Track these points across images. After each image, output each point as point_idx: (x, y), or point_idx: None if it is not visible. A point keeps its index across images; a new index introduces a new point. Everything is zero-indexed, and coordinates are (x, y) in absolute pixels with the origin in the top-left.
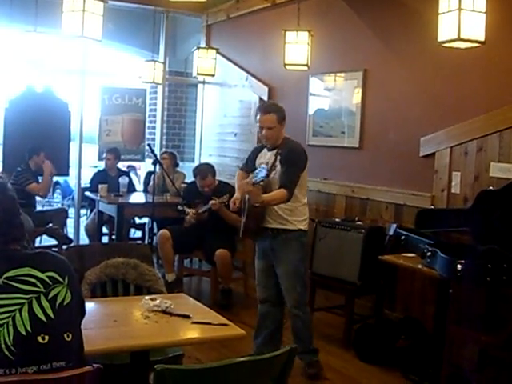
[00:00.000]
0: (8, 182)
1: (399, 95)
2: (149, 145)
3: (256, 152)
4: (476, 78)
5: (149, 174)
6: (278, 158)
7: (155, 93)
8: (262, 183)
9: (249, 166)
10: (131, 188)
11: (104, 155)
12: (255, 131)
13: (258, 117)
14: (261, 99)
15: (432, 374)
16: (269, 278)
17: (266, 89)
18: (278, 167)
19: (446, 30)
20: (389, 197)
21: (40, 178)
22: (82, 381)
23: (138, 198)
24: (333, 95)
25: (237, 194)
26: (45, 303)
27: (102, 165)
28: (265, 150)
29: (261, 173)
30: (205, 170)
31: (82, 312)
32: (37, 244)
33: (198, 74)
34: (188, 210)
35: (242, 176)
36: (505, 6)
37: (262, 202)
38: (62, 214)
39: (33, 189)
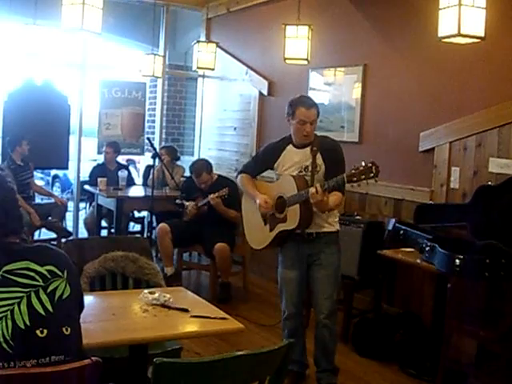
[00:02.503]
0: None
1: (399, 90)
2: (148, 138)
3: (276, 151)
4: (475, 73)
5: (148, 167)
6: (319, 156)
7: (155, 86)
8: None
9: (258, 168)
10: (130, 182)
11: (103, 148)
12: (255, 125)
13: (300, 111)
14: (261, 93)
15: (430, 368)
16: (301, 289)
17: (266, 83)
18: (323, 167)
19: (446, 26)
20: (388, 192)
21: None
22: (80, 374)
23: (137, 191)
24: (333, 90)
25: (264, 199)
26: (43, 297)
27: (101, 158)
28: (290, 147)
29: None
30: (199, 168)
31: (81, 305)
32: (36, 237)
33: (198, 67)
34: (187, 203)
35: (251, 180)
36: (504, 1)
37: (329, 209)
38: (61, 208)
39: None
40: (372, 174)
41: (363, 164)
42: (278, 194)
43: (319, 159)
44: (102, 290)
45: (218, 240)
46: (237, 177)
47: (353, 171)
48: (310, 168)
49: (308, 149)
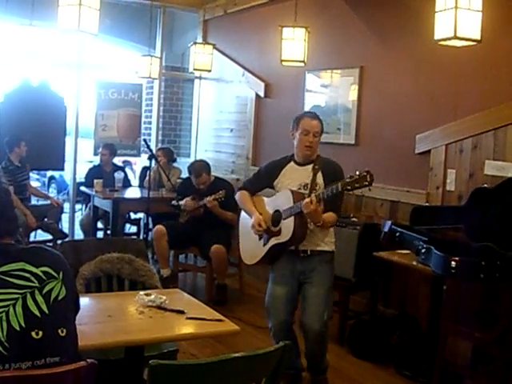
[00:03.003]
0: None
1: (395, 93)
2: (144, 140)
3: (276, 168)
4: (471, 76)
5: (144, 169)
6: (320, 175)
7: (151, 88)
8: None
9: (259, 185)
10: (126, 183)
11: (99, 150)
12: (251, 127)
13: (304, 121)
14: (257, 95)
15: (425, 370)
16: (289, 307)
17: (263, 85)
18: (323, 187)
19: (442, 28)
20: (384, 193)
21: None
22: (76, 376)
23: (133, 193)
24: (329, 92)
25: (258, 220)
26: (39, 298)
27: (97, 160)
28: (292, 164)
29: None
30: (199, 168)
31: (77, 307)
32: (32, 239)
33: (195, 69)
34: (182, 202)
35: (249, 197)
36: (501, 4)
37: (321, 223)
38: (57, 209)
39: None
40: (366, 183)
41: (358, 173)
42: (275, 207)
43: (320, 178)
44: (97, 292)
45: (215, 242)
46: (236, 193)
47: (347, 180)
48: (309, 186)
49: (309, 167)
